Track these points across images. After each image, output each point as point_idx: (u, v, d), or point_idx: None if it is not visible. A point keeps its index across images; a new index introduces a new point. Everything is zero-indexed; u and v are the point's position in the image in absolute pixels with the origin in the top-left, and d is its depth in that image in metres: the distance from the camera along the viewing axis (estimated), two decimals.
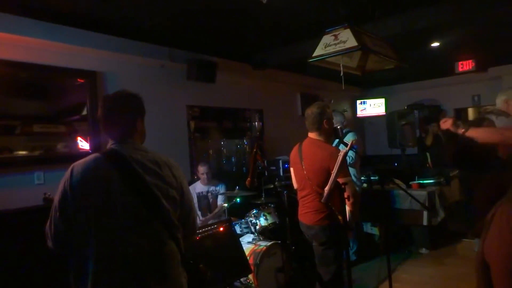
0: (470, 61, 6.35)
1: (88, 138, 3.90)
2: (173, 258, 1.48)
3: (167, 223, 1.48)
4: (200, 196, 4.44)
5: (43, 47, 3.55)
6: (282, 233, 3.86)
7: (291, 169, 3.06)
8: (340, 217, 2.48)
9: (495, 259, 0.71)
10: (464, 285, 3.60)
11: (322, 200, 2.17)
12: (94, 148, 3.83)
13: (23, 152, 3.50)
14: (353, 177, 3.80)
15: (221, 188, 4.49)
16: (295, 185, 3.03)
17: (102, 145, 1.64)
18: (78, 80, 3.96)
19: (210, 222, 4.07)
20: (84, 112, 3.97)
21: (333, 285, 2.70)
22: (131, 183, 1.45)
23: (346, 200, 2.21)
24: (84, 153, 1.48)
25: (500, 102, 2.95)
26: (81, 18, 3.58)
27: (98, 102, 3.86)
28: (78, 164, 1.50)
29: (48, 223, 1.48)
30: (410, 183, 5.01)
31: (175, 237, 1.51)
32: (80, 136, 3.92)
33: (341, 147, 3.28)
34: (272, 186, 3.82)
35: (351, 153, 4.06)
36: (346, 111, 8.25)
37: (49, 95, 3.79)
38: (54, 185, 1.51)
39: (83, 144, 3.92)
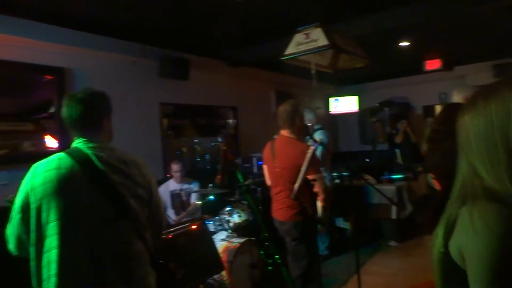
0: (437, 60, 6.60)
1: (57, 136, 3.80)
2: (140, 258, 1.48)
3: (134, 223, 1.47)
4: (174, 194, 4.41)
5: (9, 43, 3.42)
6: (256, 229, 3.91)
7: (264, 166, 3.10)
8: (311, 213, 2.54)
9: (472, 256, 0.78)
10: (430, 275, 3.76)
11: (292, 196, 2.22)
12: (63, 146, 3.73)
13: None
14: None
15: (194, 186, 4.47)
16: (268, 182, 3.07)
17: (71, 143, 1.60)
18: (46, 76, 3.84)
19: (184, 220, 4.06)
20: (52, 110, 3.86)
21: (304, 280, 2.77)
22: (97, 182, 1.43)
23: (318, 196, 2.26)
24: (53, 152, 1.45)
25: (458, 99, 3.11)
26: (50, 13, 3.47)
27: None
28: (40, 164, 1.47)
29: (8, 226, 1.45)
30: (380, 178, 5.17)
31: (143, 236, 1.50)
32: (48, 134, 3.81)
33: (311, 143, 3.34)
34: (246, 183, 3.85)
35: (319, 150, 4.14)
36: (319, 108, 8.38)
37: (15, 92, 3.66)
38: (19, 185, 1.47)
39: (52, 143, 3.81)
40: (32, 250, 1.39)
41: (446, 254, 0.88)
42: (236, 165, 1.78)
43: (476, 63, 7.04)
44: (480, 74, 7.00)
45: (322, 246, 4.52)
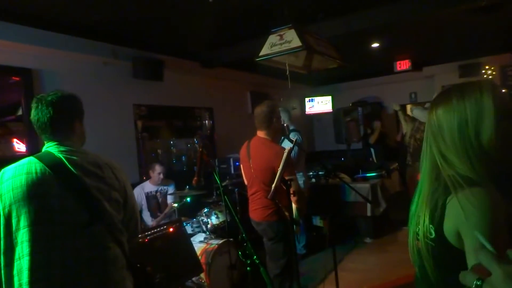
0: (407, 61, 6.82)
1: (25, 139, 3.67)
2: (116, 263, 1.45)
3: (110, 227, 1.44)
4: (149, 196, 4.34)
5: None
6: (234, 230, 3.91)
7: (241, 166, 3.10)
8: (287, 213, 2.56)
9: (467, 234, 0.93)
10: (404, 270, 3.89)
11: (269, 197, 2.23)
12: (31, 150, 3.60)
13: None
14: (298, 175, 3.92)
15: (171, 188, 4.43)
16: (245, 182, 3.08)
17: (41, 147, 1.55)
18: (13, 78, 3.69)
19: (161, 222, 4.01)
20: (20, 112, 3.72)
21: (282, 279, 2.79)
22: (70, 187, 1.39)
23: (292, 196, 2.29)
24: (21, 156, 1.39)
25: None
26: (16, 12, 3.33)
27: None
28: (9, 169, 1.42)
29: None
30: (355, 176, 5.28)
31: (119, 240, 1.47)
32: (16, 138, 3.67)
33: (286, 143, 3.37)
34: (224, 183, 3.84)
35: (294, 150, 4.19)
36: (295, 108, 8.47)
37: None
38: None
39: (20, 146, 3.67)
40: (2, 258, 1.33)
41: (438, 239, 1.00)
42: (212, 166, 1.77)
43: (443, 64, 7.32)
44: (447, 74, 7.30)
45: (299, 245, 4.57)
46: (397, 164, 6.06)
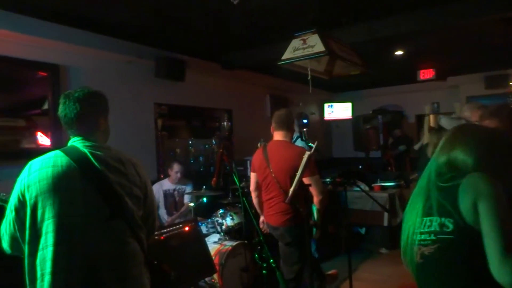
0: (431, 70, 6.69)
1: (49, 133, 3.76)
2: (135, 258, 1.46)
3: (130, 223, 1.46)
4: (167, 194, 4.39)
5: (4, 38, 3.38)
6: (248, 233, 3.90)
7: (253, 174, 3.05)
8: (306, 218, 2.53)
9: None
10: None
11: (286, 201, 2.21)
12: (55, 144, 3.69)
13: None
14: None
15: (188, 187, 4.46)
16: (252, 188, 3.05)
17: (64, 141, 1.58)
18: (40, 73, 3.80)
19: (176, 221, 4.04)
20: (46, 107, 3.82)
21: (296, 284, 2.76)
22: (93, 181, 1.41)
23: (314, 198, 2.27)
24: (45, 149, 1.43)
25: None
26: (46, 9, 3.43)
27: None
28: (36, 161, 1.45)
29: (2, 224, 1.43)
30: (373, 185, 5.19)
31: (138, 236, 1.49)
32: (40, 131, 3.76)
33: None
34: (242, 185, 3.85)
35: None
36: (313, 113, 8.43)
37: (8, 87, 3.61)
38: (10, 182, 1.45)
39: (44, 140, 3.77)
40: (26, 248, 1.36)
41: (457, 228, 1.17)
42: (233, 167, 1.78)
43: (469, 74, 7.15)
44: (473, 85, 7.12)
45: (312, 249, 4.53)
46: (417, 174, 5.93)
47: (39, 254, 1.33)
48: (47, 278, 1.30)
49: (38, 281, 1.32)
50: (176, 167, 4.36)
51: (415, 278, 1.36)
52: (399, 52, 5.62)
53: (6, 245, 1.42)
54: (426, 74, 6.70)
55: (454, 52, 5.78)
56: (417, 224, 1.29)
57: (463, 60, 6.37)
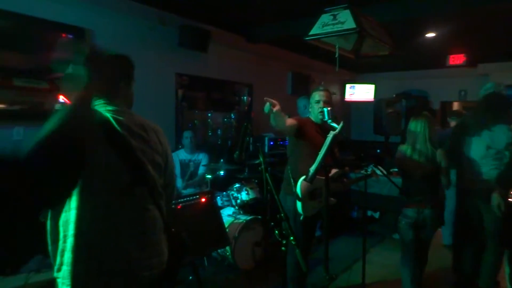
0: (462, 55, 6.40)
1: (72, 97, 3.78)
2: (155, 225, 1.46)
3: (151, 190, 1.45)
4: (183, 164, 4.43)
5: None
6: (262, 208, 3.92)
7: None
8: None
9: None
10: (432, 270, 3.79)
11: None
12: None
13: (1, 106, 3.37)
14: None
15: (203, 158, 4.47)
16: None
17: None
18: (64, 35, 3.78)
19: (190, 191, 4.08)
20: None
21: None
22: (116, 146, 1.39)
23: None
24: None
25: None
26: None
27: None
28: None
29: None
30: (391, 170, 5.10)
31: (158, 204, 1.48)
32: (62, 94, 3.79)
33: None
34: (257, 161, 3.84)
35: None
36: (335, 93, 8.25)
37: (32, 48, 3.61)
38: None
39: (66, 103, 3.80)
40: (50, 210, 1.37)
41: None
42: (259, 142, 1.74)
43: (501, 62, 6.83)
44: (504, 73, 6.80)
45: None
46: None
47: (62, 215, 1.34)
48: (70, 240, 1.31)
49: (61, 242, 1.34)
50: (186, 133, 4.41)
51: None
52: (430, 34, 5.38)
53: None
54: (456, 59, 6.42)
55: (488, 38, 5.50)
56: None
57: (497, 47, 6.07)
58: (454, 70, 7.09)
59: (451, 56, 6.50)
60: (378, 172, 3.65)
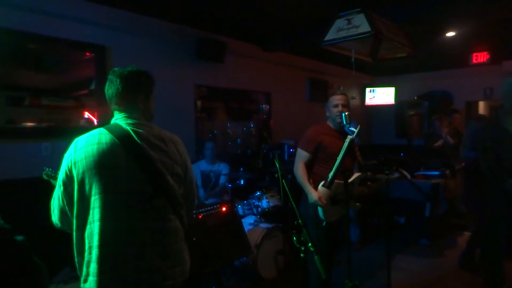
0: (485, 53, 6.23)
1: (96, 113, 3.92)
2: (176, 235, 1.49)
3: (171, 200, 1.49)
4: (204, 175, 4.47)
5: (53, 19, 3.52)
6: (284, 216, 3.90)
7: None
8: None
9: None
10: (457, 275, 3.66)
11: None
12: (101, 123, 3.84)
13: (31, 124, 3.53)
14: None
15: (224, 168, 4.51)
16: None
17: (109, 121, 1.62)
18: (87, 54, 3.94)
19: (211, 201, 4.12)
20: (92, 87, 3.97)
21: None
22: (136, 158, 1.44)
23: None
24: (92, 128, 1.50)
25: None
26: None
27: (106, 77, 3.86)
28: (81, 138, 1.48)
29: (52, 199, 1.49)
30: (415, 174, 4.98)
31: (179, 214, 1.52)
32: (87, 111, 3.93)
33: None
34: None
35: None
36: (354, 98, 8.17)
37: (58, 68, 3.78)
38: (61, 157, 1.51)
39: (91, 119, 3.94)
40: (74, 221, 1.42)
41: None
42: (277, 150, 1.75)
43: None
44: None
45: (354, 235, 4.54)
46: (463, 164, 5.62)
47: (87, 227, 1.39)
48: (95, 251, 1.35)
49: (86, 253, 1.38)
50: (207, 144, 4.47)
51: None
52: (450, 34, 5.25)
53: (56, 219, 1.49)
54: (480, 57, 6.24)
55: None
56: None
57: None
58: (477, 68, 6.89)
59: (474, 54, 6.33)
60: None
